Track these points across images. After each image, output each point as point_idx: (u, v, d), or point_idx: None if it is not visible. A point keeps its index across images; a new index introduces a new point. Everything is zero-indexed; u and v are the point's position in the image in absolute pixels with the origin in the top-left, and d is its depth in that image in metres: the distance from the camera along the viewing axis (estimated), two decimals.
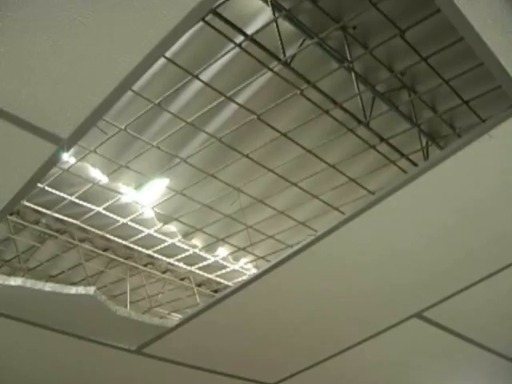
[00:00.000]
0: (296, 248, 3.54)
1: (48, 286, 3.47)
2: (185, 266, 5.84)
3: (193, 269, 5.88)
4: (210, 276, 6.02)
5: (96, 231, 5.33)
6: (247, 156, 4.62)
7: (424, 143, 4.72)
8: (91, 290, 3.48)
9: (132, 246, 5.52)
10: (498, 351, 4.45)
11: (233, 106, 4.49)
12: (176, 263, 5.80)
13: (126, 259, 5.75)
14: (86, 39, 2.55)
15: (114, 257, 5.67)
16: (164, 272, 6.04)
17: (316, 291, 3.82)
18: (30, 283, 3.44)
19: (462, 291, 3.90)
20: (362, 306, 3.96)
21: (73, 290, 3.49)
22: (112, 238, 5.42)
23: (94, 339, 3.90)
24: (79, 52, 2.60)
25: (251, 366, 4.36)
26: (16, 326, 3.72)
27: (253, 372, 4.41)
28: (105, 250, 5.67)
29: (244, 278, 5.89)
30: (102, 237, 5.41)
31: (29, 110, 2.78)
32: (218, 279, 6.05)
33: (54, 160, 3.05)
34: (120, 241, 5.45)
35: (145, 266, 5.88)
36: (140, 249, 5.60)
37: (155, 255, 5.70)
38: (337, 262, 3.63)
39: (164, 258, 5.73)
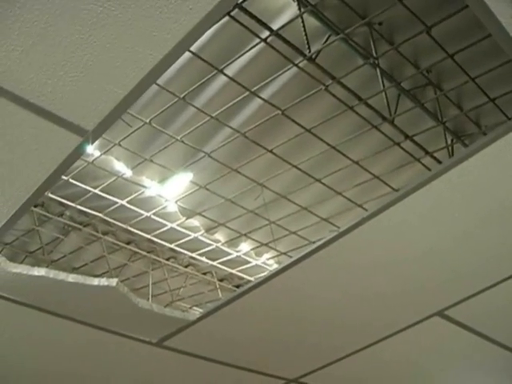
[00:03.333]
0: (318, 244, 3.52)
1: (71, 277, 3.48)
2: (207, 261, 5.84)
3: (215, 263, 5.89)
4: (232, 271, 6.02)
5: (119, 224, 5.34)
6: (271, 151, 4.62)
7: (449, 141, 4.69)
8: (114, 281, 3.49)
9: (155, 239, 5.53)
10: None
11: (257, 101, 4.48)
12: (198, 257, 5.80)
13: (148, 252, 5.76)
14: (112, 32, 2.57)
15: (136, 250, 5.69)
16: (186, 266, 6.05)
17: (338, 287, 3.80)
18: (53, 274, 3.45)
19: (485, 290, 3.86)
20: (385, 304, 3.93)
21: (95, 281, 3.49)
22: (135, 231, 5.43)
23: (115, 330, 3.91)
24: (105, 44, 2.62)
25: (271, 361, 4.34)
26: (38, 316, 3.74)
27: (273, 367, 4.39)
28: (128, 243, 5.69)
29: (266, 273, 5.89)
30: (125, 230, 5.43)
31: (55, 102, 2.80)
32: (240, 274, 6.06)
33: (78, 152, 3.06)
34: (143, 234, 5.47)
35: (167, 259, 5.89)
36: (163, 242, 5.61)
37: (178, 249, 5.71)
38: (359, 258, 3.61)
39: (186, 252, 5.73)
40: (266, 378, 4.48)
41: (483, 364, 4.62)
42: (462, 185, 3.27)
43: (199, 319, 3.89)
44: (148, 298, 5.40)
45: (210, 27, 2.79)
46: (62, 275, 3.48)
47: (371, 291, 3.84)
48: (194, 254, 5.77)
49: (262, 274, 5.71)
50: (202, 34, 2.79)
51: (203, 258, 5.80)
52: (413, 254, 3.63)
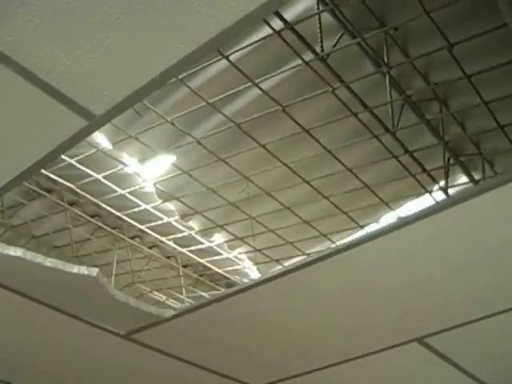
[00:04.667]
0: (313, 257, 3.38)
1: (49, 262, 3.27)
2: (174, 245, 5.61)
3: (184, 250, 5.67)
4: (200, 260, 5.81)
5: (89, 197, 5.07)
6: (264, 146, 4.40)
7: (447, 158, 4.54)
8: (94, 271, 3.29)
9: (124, 217, 5.26)
10: None
11: (255, 91, 4.26)
12: (165, 241, 5.57)
13: (113, 229, 5.49)
14: (144, 19, 2.34)
15: (101, 224, 5.42)
16: (151, 247, 5.81)
17: (323, 302, 3.66)
18: (30, 256, 3.24)
19: (469, 323, 3.77)
20: (367, 324, 3.80)
21: (75, 268, 3.29)
22: (105, 206, 5.15)
23: (83, 318, 3.72)
24: (131, 30, 2.39)
25: (239, 366, 4.21)
26: (4, 296, 3.55)
27: (239, 372, 4.26)
28: (93, 217, 5.41)
29: (236, 267, 5.73)
30: (95, 204, 5.15)
31: (65, 81, 2.58)
32: (205, 263, 5.85)
33: (81, 136, 2.86)
34: (113, 211, 5.20)
35: (132, 238, 5.63)
36: (132, 222, 5.35)
37: (147, 231, 5.46)
38: (352, 278, 3.46)
39: (155, 235, 5.48)
40: (231, 381, 4.34)
41: None
42: (468, 220, 3.16)
43: (174, 317, 3.72)
44: (109, 277, 5.16)
45: (244, 29, 2.58)
46: (40, 258, 3.26)
47: (356, 310, 3.71)
48: (163, 239, 5.54)
49: (230, 268, 5.56)
50: (237, 35, 2.60)
51: (170, 242, 5.57)
52: (406, 281, 3.50)
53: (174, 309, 3.77)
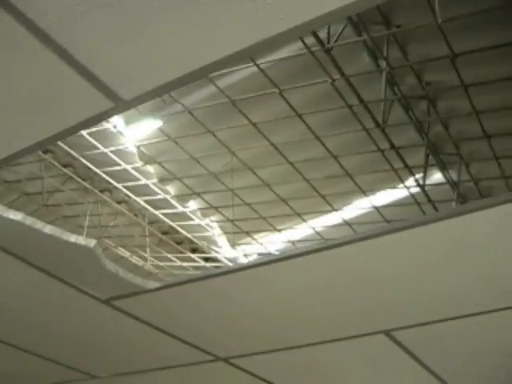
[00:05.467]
0: (304, 249, 3.46)
1: (47, 229, 3.28)
2: (144, 204, 5.60)
3: (157, 212, 5.67)
4: (170, 222, 5.82)
5: (69, 150, 5.01)
6: (254, 125, 4.43)
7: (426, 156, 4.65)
8: (92, 242, 3.31)
9: (100, 172, 5.21)
10: None
11: (250, 68, 4.27)
12: (137, 199, 5.55)
13: (84, 180, 5.45)
14: (194, 16, 2.36)
15: (73, 175, 5.36)
16: (119, 202, 5.78)
17: (301, 292, 3.75)
18: (29, 221, 3.24)
19: (438, 322, 3.91)
20: (337, 313, 3.91)
21: (72, 238, 3.31)
22: (84, 161, 5.11)
23: (66, 280, 3.73)
24: (179, 26, 2.41)
25: (211, 340, 4.29)
26: None
27: (210, 345, 4.34)
28: (65, 166, 5.34)
29: (205, 234, 5.77)
30: (70, 154, 5.09)
31: (99, 62, 2.58)
32: (175, 226, 5.87)
33: (103, 116, 2.85)
34: (91, 166, 5.16)
35: (101, 191, 5.58)
36: (106, 177, 5.31)
37: (119, 186, 5.42)
38: (336, 272, 3.56)
39: (124, 190, 5.46)
40: (198, 351, 4.43)
41: None
42: (454, 235, 3.26)
43: (158, 289, 3.77)
44: (76, 229, 5.15)
45: (284, 43, 2.61)
46: (39, 224, 3.26)
47: (330, 299, 3.82)
48: (138, 199, 5.53)
49: (199, 234, 5.60)
50: (276, 48, 2.64)
51: (141, 201, 5.56)
52: (381, 278, 3.61)
53: (158, 281, 3.81)
